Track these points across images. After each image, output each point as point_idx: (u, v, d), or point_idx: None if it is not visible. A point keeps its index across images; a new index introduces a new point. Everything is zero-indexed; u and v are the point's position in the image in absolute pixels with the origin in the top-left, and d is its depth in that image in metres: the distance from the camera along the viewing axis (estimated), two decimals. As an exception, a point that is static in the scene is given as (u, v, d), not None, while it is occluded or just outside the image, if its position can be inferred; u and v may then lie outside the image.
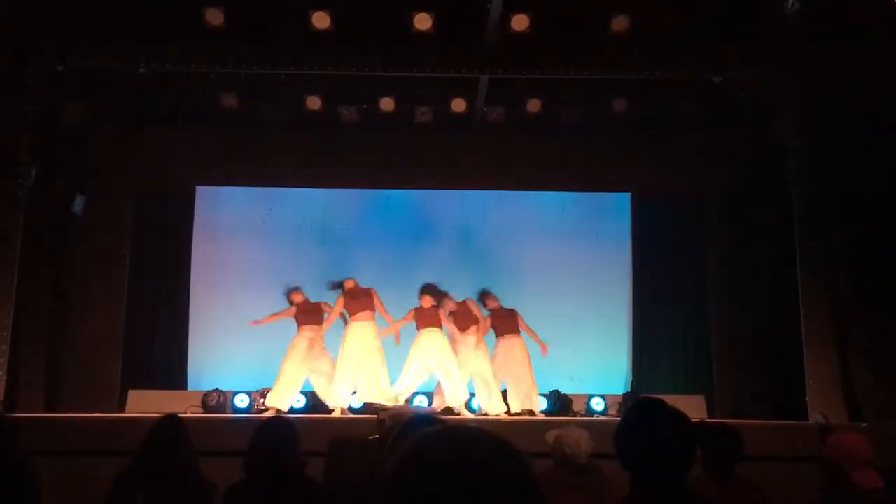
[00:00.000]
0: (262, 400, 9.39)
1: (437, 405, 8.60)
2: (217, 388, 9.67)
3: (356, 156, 10.46)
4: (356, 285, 8.91)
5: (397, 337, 8.86)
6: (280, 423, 3.85)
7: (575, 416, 9.35)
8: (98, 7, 8.23)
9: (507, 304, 9.12)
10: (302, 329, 8.83)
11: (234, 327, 10.26)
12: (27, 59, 8.19)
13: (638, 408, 2.48)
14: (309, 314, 8.90)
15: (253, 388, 9.57)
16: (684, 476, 2.27)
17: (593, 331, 10.52)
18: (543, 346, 8.88)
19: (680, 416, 2.34)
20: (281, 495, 3.50)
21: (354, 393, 8.62)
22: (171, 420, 4.14)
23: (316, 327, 8.84)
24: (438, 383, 8.78)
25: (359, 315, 8.74)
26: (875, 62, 7.89)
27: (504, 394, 8.78)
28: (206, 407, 9.48)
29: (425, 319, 8.76)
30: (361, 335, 8.64)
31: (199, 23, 8.16)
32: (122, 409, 9.70)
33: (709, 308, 10.62)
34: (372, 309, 8.79)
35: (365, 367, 8.55)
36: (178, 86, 9.52)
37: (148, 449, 4.01)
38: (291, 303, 8.99)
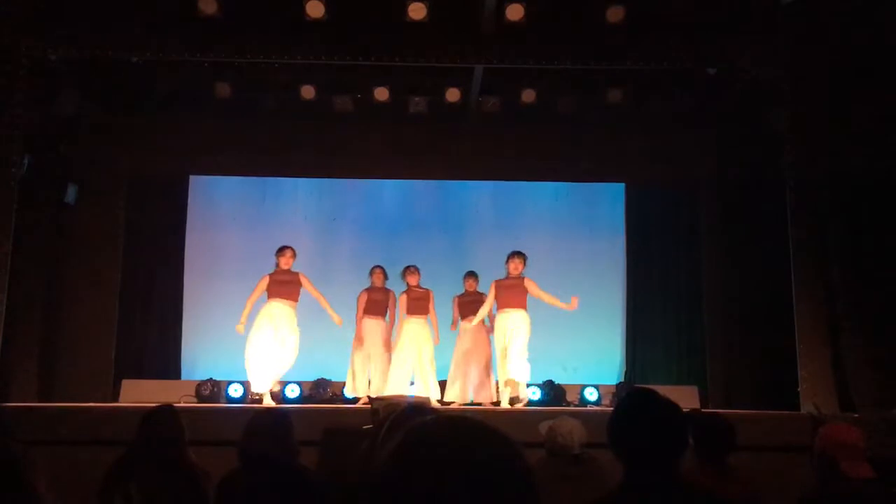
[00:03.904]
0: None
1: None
2: (211, 378, 9.68)
3: (350, 145, 10.44)
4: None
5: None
6: (274, 413, 3.86)
7: (569, 406, 9.38)
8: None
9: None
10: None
11: (227, 317, 10.24)
12: (19, 48, 8.14)
13: (630, 398, 2.50)
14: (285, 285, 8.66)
15: (247, 377, 9.55)
16: (676, 465, 2.29)
17: (587, 321, 10.53)
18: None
19: (671, 406, 2.36)
20: (275, 484, 3.51)
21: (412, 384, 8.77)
22: (166, 410, 4.15)
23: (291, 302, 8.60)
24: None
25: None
26: (872, 53, 7.90)
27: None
28: (199, 396, 9.50)
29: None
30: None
31: (193, 11, 8.12)
32: (115, 398, 9.71)
33: (702, 298, 10.64)
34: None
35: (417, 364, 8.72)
36: (172, 75, 9.47)
37: (142, 438, 4.02)
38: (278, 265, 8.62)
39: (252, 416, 3.71)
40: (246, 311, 8.51)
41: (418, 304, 8.84)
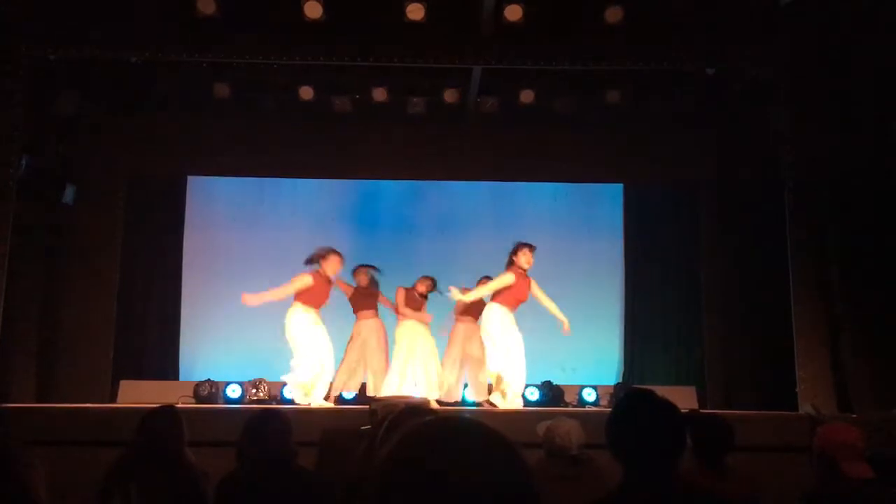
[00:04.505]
0: (254, 390, 9.41)
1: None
2: (209, 379, 9.66)
3: (349, 146, 10.44)
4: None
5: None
6: (272, 414, 3.86)
7: (567, 406, 9.38)
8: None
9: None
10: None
11: (225, 318, 10.26)
12: (19, 48, 8.14)
13: (628, 398, 2.50)
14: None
15: (245, 378, 9.57)
16: (674, 466, 2.29)
17: (585, 321, 10.51)
18: None
19: (669, 406, 2.36)
20: (273, 485, 3.51)
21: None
22: (167, 411, 4.15)
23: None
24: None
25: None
26: (872, 53, 7.90)
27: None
28: (197, 397, 9.48)
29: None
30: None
31: (191, 11, 8.12)
32: (113, 399, 9.69)
33: (701, 299, 10.64)
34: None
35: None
36: (170, 75, 9.47)
37: (143, 439, 4.01)
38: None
39: (250, 417, 3.70)
40: (268, 298, 8.06)
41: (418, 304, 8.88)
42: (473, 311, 8.80)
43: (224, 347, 10.30)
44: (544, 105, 9.95)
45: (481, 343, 8.35)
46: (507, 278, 7.91)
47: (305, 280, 8.01)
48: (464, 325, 8.86)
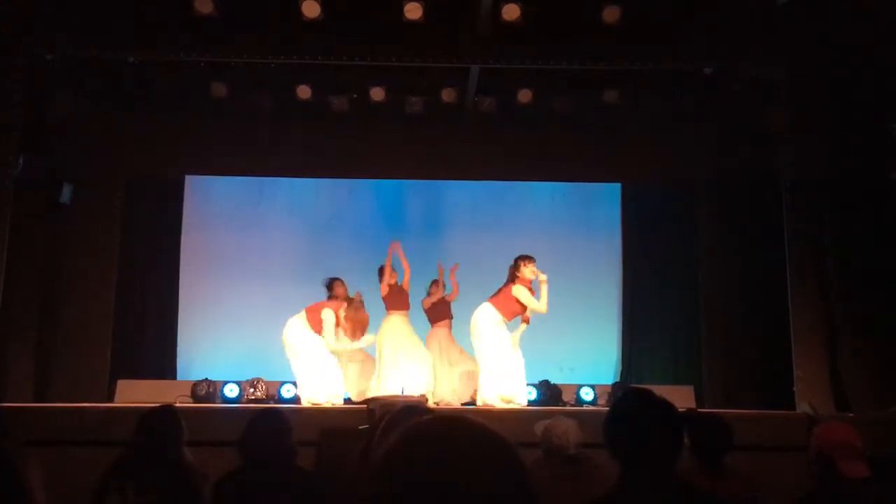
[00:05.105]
0: (251, 390, 9.40)
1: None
2: (206, 378, 9.65)
3: (346, 145, 10.43)
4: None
5: None
6: (272, 414, 3.86)
7: (565, 405, 9.38)
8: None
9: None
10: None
11: (223, 317, 10.26)
12: (17, 47, 8.12)
13: (625, 397, 2.50)
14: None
15: (242, 377, 9.56)
16: (672, 465, 2.28)
17: (583, 321, 10.55)
18: None
19: (667, 406, 2.36)
20: (273, 484, 3.50)
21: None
22: (167, 410, 4.14)
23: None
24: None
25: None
26: (871, 52, 7.91)
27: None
28: (195, 397, 9.47)
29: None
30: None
31: (189, 11, 8.11)
32: (111, 398, 9.69)
33: (699, 298, 10.64)
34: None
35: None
36: (168, 75, 9.46)
37: (142, 438, 4.00)
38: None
39: (251, 416, 3.71)
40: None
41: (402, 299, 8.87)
42: (445, 314, 8.82)
43: (221, 347, 10.29)
44: (542, 105, 9.95)
45: (457, 345, 8.68)
46: (525, 293, 7.86)
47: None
48: (439, 330, 8.86)
